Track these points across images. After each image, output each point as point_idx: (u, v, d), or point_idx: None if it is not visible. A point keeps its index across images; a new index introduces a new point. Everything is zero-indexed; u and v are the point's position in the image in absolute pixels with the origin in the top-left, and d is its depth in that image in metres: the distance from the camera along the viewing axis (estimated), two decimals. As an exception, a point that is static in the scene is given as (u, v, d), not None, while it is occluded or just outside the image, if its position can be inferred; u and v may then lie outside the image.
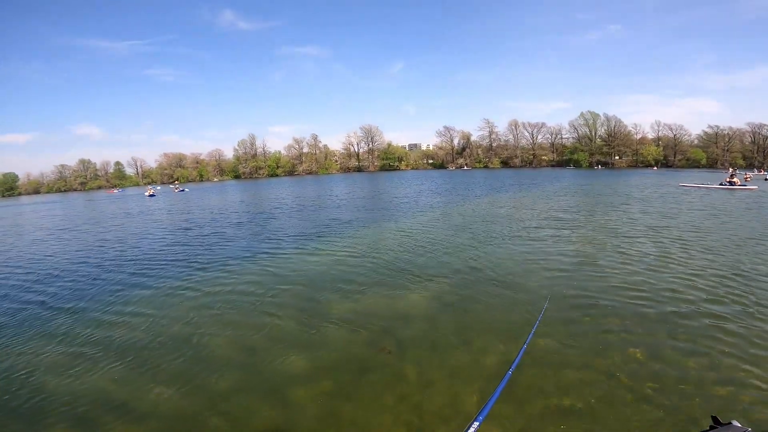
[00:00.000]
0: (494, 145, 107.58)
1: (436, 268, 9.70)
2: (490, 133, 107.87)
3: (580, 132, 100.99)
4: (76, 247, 16.11)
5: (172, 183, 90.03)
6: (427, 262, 10.37)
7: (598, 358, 5.16)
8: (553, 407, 4.20)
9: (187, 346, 6.12)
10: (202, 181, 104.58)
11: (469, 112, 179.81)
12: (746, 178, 38.19)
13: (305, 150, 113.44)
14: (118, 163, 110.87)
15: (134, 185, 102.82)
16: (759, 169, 69.12)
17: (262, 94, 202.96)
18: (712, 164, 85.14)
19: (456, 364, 5.15)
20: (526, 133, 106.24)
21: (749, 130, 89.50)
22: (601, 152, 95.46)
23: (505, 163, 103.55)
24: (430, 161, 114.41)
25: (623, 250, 10.93)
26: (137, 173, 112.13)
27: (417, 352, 5.54)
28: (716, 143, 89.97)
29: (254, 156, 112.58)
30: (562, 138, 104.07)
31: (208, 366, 5.48)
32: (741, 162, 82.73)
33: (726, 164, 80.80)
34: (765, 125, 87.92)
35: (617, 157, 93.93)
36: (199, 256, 12.42)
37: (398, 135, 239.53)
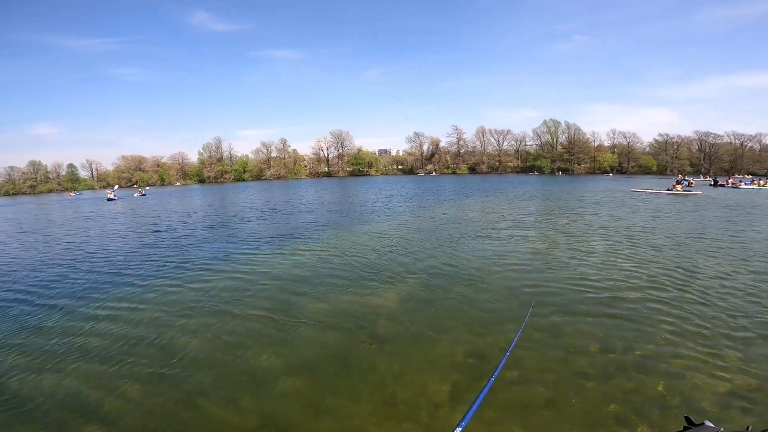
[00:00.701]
0: (462, 151, 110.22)
1: (408, 268, 9.97)
2: (459, 139, 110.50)
3: (542, 139, 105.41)
4: (40, 249, 15.35)
5: (134, 186, 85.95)
6: (399, 262, 10.63)
7: (556, 350, 5.54)
8: (516, 400, 4.52)
9: (161, 346, 6.06)
10: (164, 185, 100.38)
11: (440, 118, 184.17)
12: (691, 183, 41.31)
13: (274, 154, 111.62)
14: (71, 166, 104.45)
15: (89, 189, 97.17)
16: (704, 175, 74.90)
17: (233, 98, 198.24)
18: (662, 171, 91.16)
19: (427, 356, 5.40)
20: (493, 140, 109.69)
21: (696, 138, 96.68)
22: (562, 159, 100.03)
23: (473, 169, 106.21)
24: (400, 167, 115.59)
25: (577, 248, 11.72)
26: (92, 176, 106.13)
27: (391, 346, 5.75)
28: (666, 151, 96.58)
29: (220, 160, 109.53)
30: (526, 145, 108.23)
31: (183, 364, 5.46)
32: (689, 168, 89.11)
33: (675, 171, 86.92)
34: (711, 133, 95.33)
35: (577, 164, 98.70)
36: (171, 259, 12.18)
37: (369, 141, 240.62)
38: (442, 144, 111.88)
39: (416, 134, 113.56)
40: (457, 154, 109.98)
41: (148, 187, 76.59)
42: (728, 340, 5.64)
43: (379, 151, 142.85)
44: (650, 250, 11.52)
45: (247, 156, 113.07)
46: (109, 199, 45.85)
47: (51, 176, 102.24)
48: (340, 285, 8.77)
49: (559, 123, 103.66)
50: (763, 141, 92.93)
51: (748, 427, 2.11)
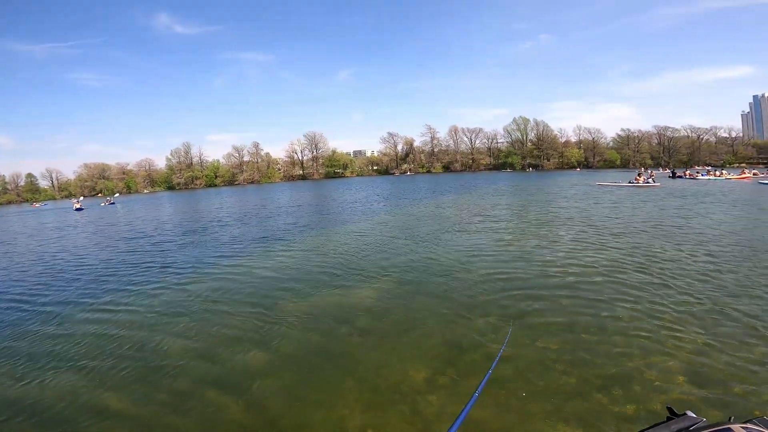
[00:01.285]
0: (436, 150, 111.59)
1: (385, 265, 10.20)
2: (432, 138, 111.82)
3: (513, 137, 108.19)
4: (15, 261, 14.99)
5: (99, 195, 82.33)
6: (377, 260, 10.85)
7: (523, 339, 5.89)
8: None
9: (144, 351, 6.06)
10: (130, 192, 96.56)
11: (413, 118, 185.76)
12: (651, 175, 43.54)
13: (246, 158, 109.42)
14: (30, 175, 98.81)
15: (50, 199, 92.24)
16: (664, 167, 78.87)
17: (200, 101, 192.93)
18: (625, 164, 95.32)
19: (406, 347, 5.64)
20: (465, 138, 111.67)
21: (655, 132, 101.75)
22: (532, 155, 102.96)
23: (447, 168, 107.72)
24: (375, 167, 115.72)
25: (546, 238, 12.36)
26: (53, 186, 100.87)
27: (371, 339, 5.97)
28: (628, 145, 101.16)
29: (190, 165, 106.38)
30: (497, 142, 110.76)
31: (167, 367, 5.48)
32: (649, 162, 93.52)
33: (637, 164, 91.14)
34: (669, 128, 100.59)
35: (547, 160, 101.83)
36: (150, 265, 12.11)
37: (344, 142, 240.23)
38: (416, 143, 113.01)
39: (390, 134, 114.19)
40: (432, 153, 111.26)
41: (117, 195, 73.52)
42: (688, 315, 6.16)
43: (354, 152, 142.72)
44: (612, 237, 12.34)
45: (218, 161, 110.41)
46: (77, 209, 43.81)
47: (9, 187, 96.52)
48: (321, 284, 8.92)
49: (528, 120, 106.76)
50: (718, 134, 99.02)
51: (730, 418, 2.05)
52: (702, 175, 46.05)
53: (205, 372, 5.33)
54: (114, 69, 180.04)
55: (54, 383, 5.29)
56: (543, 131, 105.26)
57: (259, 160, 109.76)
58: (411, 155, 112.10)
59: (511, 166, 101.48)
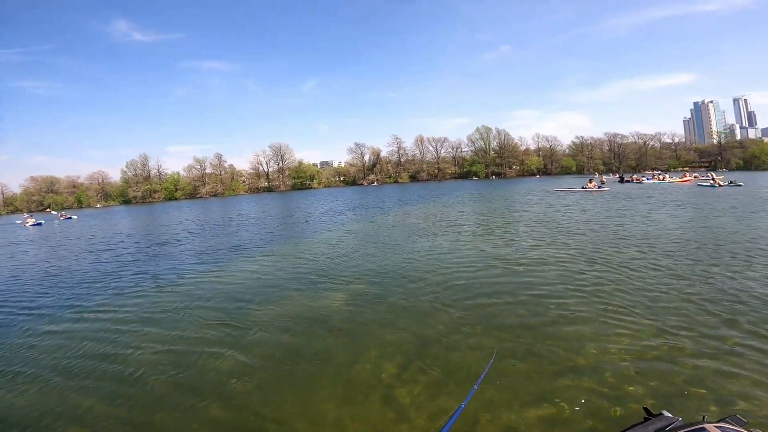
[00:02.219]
0: (402, 160, 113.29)
1: (355, 272, 10.47)
2: (399, 148, 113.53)
3: (476, 145, 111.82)
4: None
5: (48, 210, 76.88)
6: (346, 267, 11.09)
7: (484, 329, 6.35)
8: (439, 376, 5.17)
9: (118, 358, 6.06)
10: (81, 207, 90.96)
11: (380, 128, 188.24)
12: (602, 181, 46.43)
13: (208, 170, 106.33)
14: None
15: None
16: (614, 173, 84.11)
17: (159, 111, 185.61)
18: (580, 170, 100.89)
19: (376, 345, 5.92)
20: (431, 148, 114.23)
21: (606, 139, 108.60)
22: (495, 164, 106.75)
23: (414, 177, 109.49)
24: (342, 178, 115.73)
25: (504, 240, 13.16)
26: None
27: (343, 339, 6.22)
28: (582, 152, 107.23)
29: (147, 178, 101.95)
30: (462, 151, 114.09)
31: (141, 373, 5.51)
32: (602, 167, 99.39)
33: (591, 170, 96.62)
34: (618, 134, 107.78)
35: (509, 168, 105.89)
36: (120, 276, 12.13)
37: (310, 153, 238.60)
38: (383, 154, 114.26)
39: (357, 145, 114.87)
40: (398, 164, 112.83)
41: (71, 211, 68.96)
42: (630, 302, 6.87)
43: (321, 163, 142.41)
44: (561, 235, 13.47)
45: (178, 173, 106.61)
46: (35, 224, 40.94)
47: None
48: (292, 290, 9.09)
49: (490, 129, 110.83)
50: (663, 139, 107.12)
51: (703, 417, 2.11)
52: (647, 179, 49.66)
53: (179, 375, 5.38)
54: (64, 77, 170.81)
55: (26, 391, 5.25)
56: (504, 140, 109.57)
57: (223, 172, 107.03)
58: (378, 165, 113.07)
59: (476, 175, 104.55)
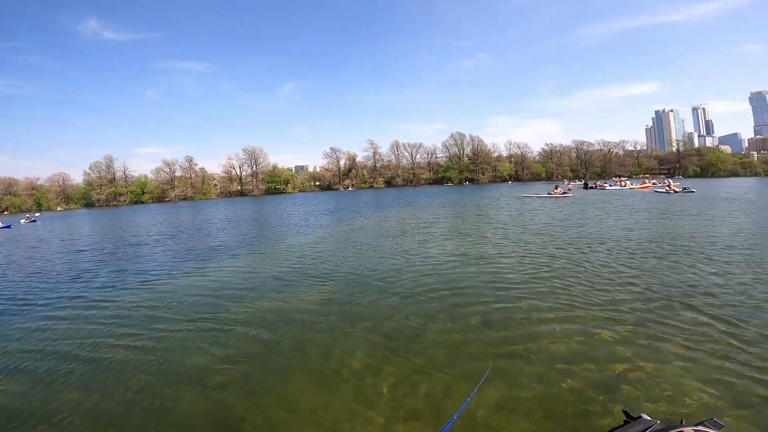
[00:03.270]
0: (378, 165, 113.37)
1: (328, 272, 10.69)
2: (374, 153, 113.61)
3: (451, 152, 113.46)
4: None
5: (5, 213, 72.34)
6: (320, 268, 11.28)
7: (454, 335, 6.70)
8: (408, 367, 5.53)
9: (96, 357, 6.14)
10: (41, 210, 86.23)
11: (356, 132, 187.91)
12: (569, 188, 47.88)
13: (178, 173, 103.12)
14: None
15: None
16: (580, 179, 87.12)
17: (129, 112, 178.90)
18: (549, 176, 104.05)
19: (348, 339, 6.21)
20: (407, 153, 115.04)
21: (574, 146, 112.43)
22: (468, 170, 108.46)
23: (389, 183, 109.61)
24: (317, 183, 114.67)
25: (471, 242, 13.66)
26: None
27: (315, 335, 6.49)
28: (551, 159, 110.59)
29: (112, 181, 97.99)
30: (436, 157, 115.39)
31: (121, 370, 5.62)
32: (570, 174, 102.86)
33: (560, 176, 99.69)
34: (585, 142, 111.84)
35: (482, 174, 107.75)
36: (94, 277, 12.14)
37: (286, 157, 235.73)
38: (358, 159, 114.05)
39: (333, 150, 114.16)
40: (374, 169, 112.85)
41: (37, 214, 64.76)
42: (583, 296, 7.41)
43: (296, 167, 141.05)
44: (524, 236, 14.15)
45: (146, 176, 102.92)
46: (3, 227, 38.16)
47: None
48: (268, 290, 9.28)
49: (464, 135, 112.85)
50: (626, 147, 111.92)
51: (681, 421, 2.22)
52: (610, 185, 51.62)
53: (158, 371, 5.52)
54: (28, 75, 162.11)
55: (7, 389, 5.33)
56: (478, 146, 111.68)
57: (193, 175, 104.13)
58: (354, 170, 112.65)
59: (450, 180, 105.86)
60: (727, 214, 19.12)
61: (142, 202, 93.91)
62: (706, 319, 6.17)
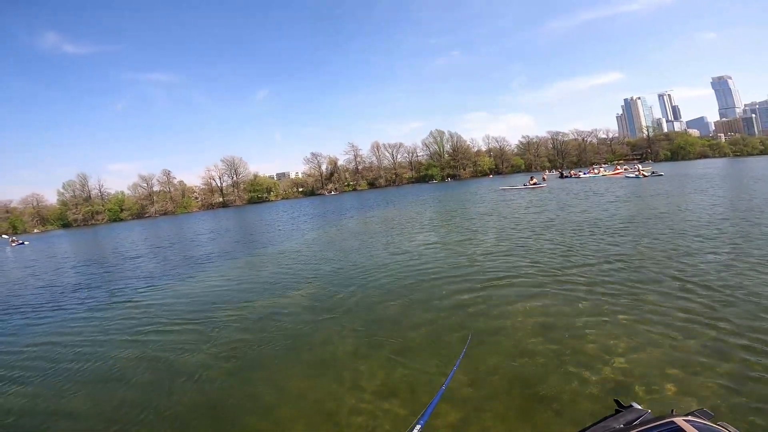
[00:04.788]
0: (360, 167, 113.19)
1: (314, 273, 11.17)
2: (356, 156, 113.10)
3: (431, 149, 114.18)
4: None
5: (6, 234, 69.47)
6: (306, 270, 11.78)
7: (430, 317, 7.28)
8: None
9: (96, 361, 6.62)
10: (17, 233, 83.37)
11: (336, 135, 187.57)
12: (543, 178, 49.19)
13: (156, 188, 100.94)
14: None
15: None
16: (557, 169, 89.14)
17: (97, 127, 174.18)
18: (528, 168, 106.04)
19: (334, 331, 6.70)
20: (387, 154, 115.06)
21: (550, 137, 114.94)
22: (449, 166, 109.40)
23: (372, 184, 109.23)
24: (300, 189, 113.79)
25: (452, 235, 14.24)
26: None
27: (301, 327, 7.01)
28: (529, 150, 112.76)
29: (88, 199, 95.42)
30: (417, 156, 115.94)
31: (118, 371, 6.10)
32: (548, 164, 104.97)
33: (539, 167, 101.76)
34: (560, 132, 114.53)
35: (463, 170, 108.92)
36: (91, 290, 12.75)
37: (266, 166, 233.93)
38: (340, 162, 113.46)
39: (314, 155, 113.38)
40: (356, 171, 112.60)
41: (23, 237, 62.22)
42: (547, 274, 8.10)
43: (278, 175, 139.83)
44: (506, 227, 14.83)
45: (122, 192, 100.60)
46: None
47: None
48: (255, 293, 9.78)
49: (443, 132, 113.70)
50: (599, 135, 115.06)
51: (671, 410, 2.19)
52: (584, 173, 53.23)
53: (154, 370, 5.99)
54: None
55: (15, 394, 5.77)
56: (457, 142, 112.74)
57: (172, 189, 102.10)
58: (336, 174, 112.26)
59: (433, 178, 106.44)
60: (694, 192, 20.61)
61: (122, 220, 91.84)
62: (674, 291, 6.95)
